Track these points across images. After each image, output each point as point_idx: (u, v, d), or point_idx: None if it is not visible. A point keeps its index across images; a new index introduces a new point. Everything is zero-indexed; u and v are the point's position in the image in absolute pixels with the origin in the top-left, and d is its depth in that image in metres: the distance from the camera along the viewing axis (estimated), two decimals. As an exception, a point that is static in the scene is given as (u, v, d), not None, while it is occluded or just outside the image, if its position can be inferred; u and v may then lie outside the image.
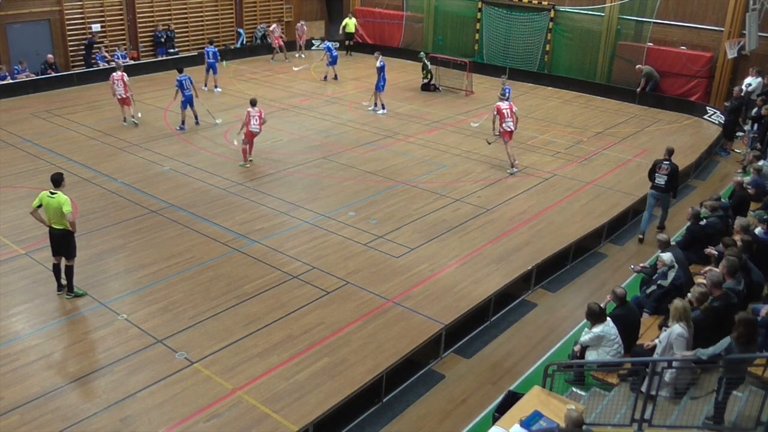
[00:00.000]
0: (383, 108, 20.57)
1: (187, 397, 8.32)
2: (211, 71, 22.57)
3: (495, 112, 15.96)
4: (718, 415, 6.98)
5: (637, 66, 22.61)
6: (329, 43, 24.96)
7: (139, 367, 8.82)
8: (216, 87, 22.73)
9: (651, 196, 13.20)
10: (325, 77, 24.50)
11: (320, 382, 8.61)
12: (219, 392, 8.40)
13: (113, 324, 9.74)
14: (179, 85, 18.13)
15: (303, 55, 28.60)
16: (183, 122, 18.49)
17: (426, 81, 23.71)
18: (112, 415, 7.98)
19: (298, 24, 29.04)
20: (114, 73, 18.28)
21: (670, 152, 13.07)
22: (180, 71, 18.43)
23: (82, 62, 23.95)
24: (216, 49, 22.87)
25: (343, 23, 29.34)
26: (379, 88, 20.31)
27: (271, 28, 28.04)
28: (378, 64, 20.26)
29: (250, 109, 15.62)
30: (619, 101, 22.96)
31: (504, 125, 15.73)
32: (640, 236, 13.34)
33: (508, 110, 15.75)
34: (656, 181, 13.01)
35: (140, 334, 9.51)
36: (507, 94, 17.76)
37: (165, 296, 10.47)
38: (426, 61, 23.61)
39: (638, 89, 22.61)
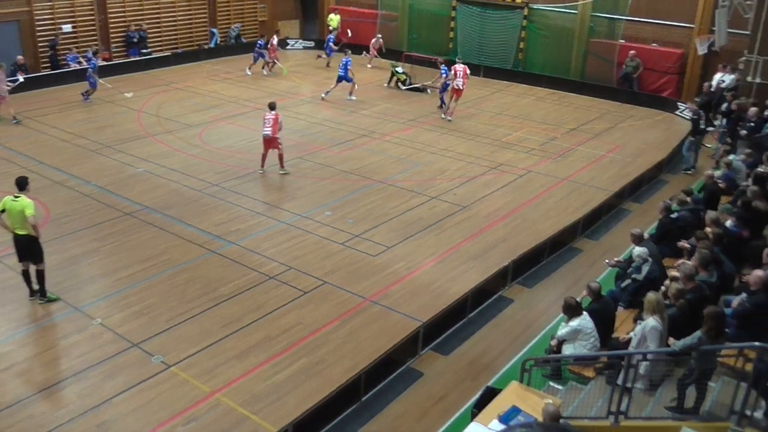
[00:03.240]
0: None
1: (164, 401, 8.24)
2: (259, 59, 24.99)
3: (451, 72, 19.75)
4: (680, 400, 7.15)
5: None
6: (348, 60, 21.31)
7: (114, 372, 8.71)
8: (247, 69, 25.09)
9: (688, 140, 17.16)
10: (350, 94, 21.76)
11: (299, 383, 8.59)
12: (196, 395, 8.34)
13: (87, 329, 9.60)
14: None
15: (369, 65, 26.47)
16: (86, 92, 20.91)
17: (409, 84, 23.42)
18: (88, 421, 7.88)
19: (375, 38, 27.04)
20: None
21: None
22: (95, 54, 21.48)
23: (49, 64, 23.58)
24: (262, 42, 25.14)
25: (328, 20, 29.07)
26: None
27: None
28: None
29: (266, 113, 15.11)
30: (593, 98, 23.18)
31: (455, 83, 19.57)
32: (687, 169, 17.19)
33: (461, 72, 19.49)
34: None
35: (115, 338, 9.40)
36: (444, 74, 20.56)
37: (140, 299, 10.36)
38: (397, 69, 23.51)
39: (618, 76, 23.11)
